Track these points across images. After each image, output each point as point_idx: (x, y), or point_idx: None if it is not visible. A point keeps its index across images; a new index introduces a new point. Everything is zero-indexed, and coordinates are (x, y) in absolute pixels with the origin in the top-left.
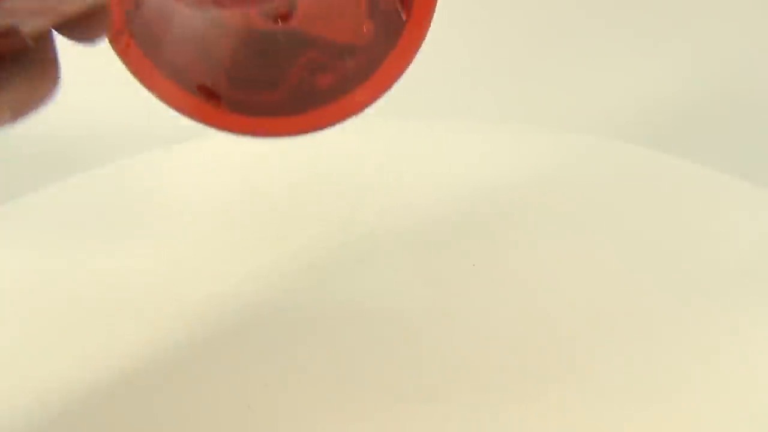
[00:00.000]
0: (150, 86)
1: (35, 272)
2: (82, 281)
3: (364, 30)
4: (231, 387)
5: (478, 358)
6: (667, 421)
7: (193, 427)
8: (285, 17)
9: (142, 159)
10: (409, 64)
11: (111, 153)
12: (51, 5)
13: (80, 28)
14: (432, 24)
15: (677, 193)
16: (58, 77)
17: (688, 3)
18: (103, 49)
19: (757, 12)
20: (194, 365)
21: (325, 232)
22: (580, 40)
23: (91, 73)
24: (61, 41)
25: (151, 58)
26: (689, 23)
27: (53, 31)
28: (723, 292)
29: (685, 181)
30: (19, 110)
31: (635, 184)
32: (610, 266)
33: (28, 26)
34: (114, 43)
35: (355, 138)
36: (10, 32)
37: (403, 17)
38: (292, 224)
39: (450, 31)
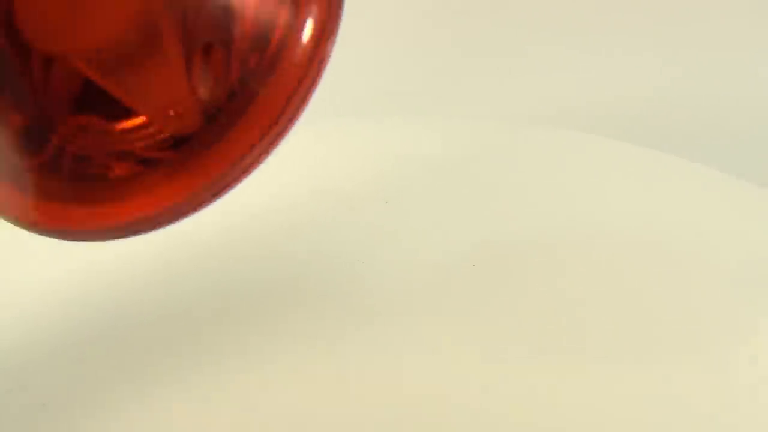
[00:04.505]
0: None
1: None
2: None
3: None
4: (231, 387)
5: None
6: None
7: (193, 426)
8: None
9: None
10: (245, 169)
11: None
12: None
13: None
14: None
15: (677, 193)
16: None
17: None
18: None
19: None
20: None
21: None
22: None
23: None
24: None
25: None
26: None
27: None
28: (724, 293)
29: (686, 180)
30: None
31: (634, 183)
32: (607, 267)
33: None
34: None
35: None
36: None
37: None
38: None
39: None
